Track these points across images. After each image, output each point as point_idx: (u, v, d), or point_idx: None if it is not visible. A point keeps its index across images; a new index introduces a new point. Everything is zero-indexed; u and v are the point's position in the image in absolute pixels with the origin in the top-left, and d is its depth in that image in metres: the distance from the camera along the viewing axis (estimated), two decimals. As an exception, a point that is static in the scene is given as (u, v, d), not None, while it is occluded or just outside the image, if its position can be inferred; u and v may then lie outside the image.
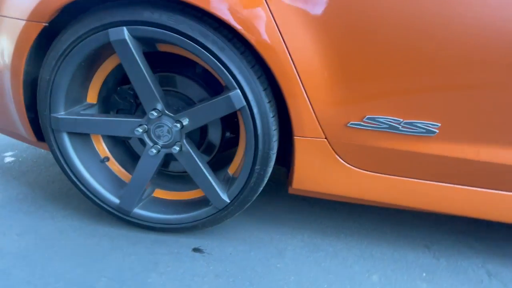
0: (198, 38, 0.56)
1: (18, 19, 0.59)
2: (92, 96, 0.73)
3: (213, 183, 0.71)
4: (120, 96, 0.74)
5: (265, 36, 0.54)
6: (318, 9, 0.53)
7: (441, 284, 0.71)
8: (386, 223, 0.91)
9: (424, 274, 0.73)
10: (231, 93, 0.60)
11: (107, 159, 0.80)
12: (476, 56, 0.54)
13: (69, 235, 0.75)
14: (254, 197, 0.72)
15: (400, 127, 0.61)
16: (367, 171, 0.68)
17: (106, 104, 0.76)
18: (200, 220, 0.75)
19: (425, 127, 0.60)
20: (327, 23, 0.54)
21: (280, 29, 0.54)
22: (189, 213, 0.76)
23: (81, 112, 0.70)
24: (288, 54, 0.55)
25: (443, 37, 0.53)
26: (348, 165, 0.68)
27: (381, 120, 0.61)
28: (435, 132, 0.61)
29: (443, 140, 0.62)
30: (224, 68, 0.58)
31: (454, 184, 0.66)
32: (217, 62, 0.57)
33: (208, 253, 0.74)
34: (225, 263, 0.71)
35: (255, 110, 0.61)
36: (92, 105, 0.74)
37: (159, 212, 0.78)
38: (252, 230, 0.84)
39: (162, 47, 0.66)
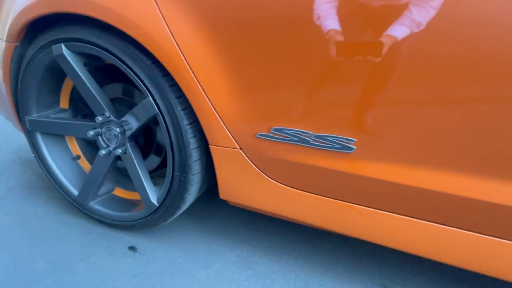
0: (115, 52, 0.62)
1: (1, 40, 0.75)
2: (64, 102, 0.86)
3: (146, 186, 0.74)
4: (83, 103, 0.85)
5: (165, 50, 0.56)
6: (214, 23, 0.53)
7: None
8: (347, 251, 0.80)
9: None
10: (144, 101, 0.63)
11: (78, 157, 0.92)
12: (396, 66, 0.46)
13: (40, 220, 0.88)
14: (183, 204, 0.73)
15: (311, 140, 0.55)
16: (288, 186, 0.62)
17: (76, 109, 0.89)
18: (137, 221, 0.79)
19: (339, 142, 0.53)
20: (221, 37, 0.53)
21: (179, 44, 0.55)
22: (130, 213, 0.81)
23: (51, 115, 0.83)
24: (188, 66, 0.56)
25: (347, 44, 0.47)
26: (269, 178, 0.63)
27: (288, 132, 0.56)
28: (353, 148, 0.53)
29: (363, 158, 0.53)
30: (138, 78, 0.62)
31: (383, 210, 0.55)
32: (132, 73, 0.62)
33: (140, 253, 0.77)
34: (149, 265, 0.73)
35: (166, 118, 0.63)
36: (64, 110, 0.87)
37: (110, 208, 0.85)
38: (195, 238, 0.84)
39: (107, 60, 0.75)
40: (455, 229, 0.52)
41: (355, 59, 0.46)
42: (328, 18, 0.45)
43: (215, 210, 0.96)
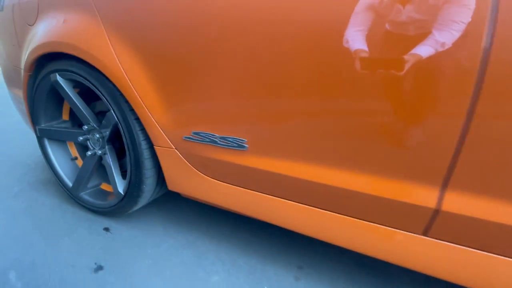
0: (89, 78, 0.85)
1: (21, 69, 1.03)
2: (65, 115, 1.12)
3: (116, 179, 0.95)
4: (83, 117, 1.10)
5: (117, 75, 0.78)
6: (146, 58, 0.73)
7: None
8: (274, 237, 0.93)
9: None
10: (108, 113, 0.85)
11: (76, 158, 1.17)
12: (271, 81, 0.62)
13: (44, 207, 1.12)
14: (142, 193, 0.92)
15: (218, 141, 0.72)
16: (210, 177, 0.79)
17: (74, 120, 1.14)
18: (111, 207, 0.99)
19: (236, 142, 0.69)
20: (151, 67, 0.73)
21: (125, 71, 0.76)
22: (107, 201, 1.02)
23: (54, 125, 1.09)
24: (132, 86, 0.77)
25: (238, 68, 0.64)
26: (197, 171, 0.80)
27: (202, 134, 0.73)
28: (246, 147, 0.69)
29: (254, 154, 0.68)
30: (104, 96, 0.84)
31: (279, 197, 0.69)
32: (100, 93, 0.84)
33: (111, 232, 0.97)
34: (115, 241, 0.92)
35: (123, 125, 0.84)
36: (65, 121, 1.12)
37: (95, 198, 1.07)
38: (157, 224, 1.02)
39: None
40: (331, 212, 0.64)
41: (232, 86, 0.63)
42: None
43: (182, 204, 1.14)
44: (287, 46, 0.55)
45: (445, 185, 0.51)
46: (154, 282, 0.77)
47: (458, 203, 0.51)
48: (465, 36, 0.42)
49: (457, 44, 0.43)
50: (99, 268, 0.81)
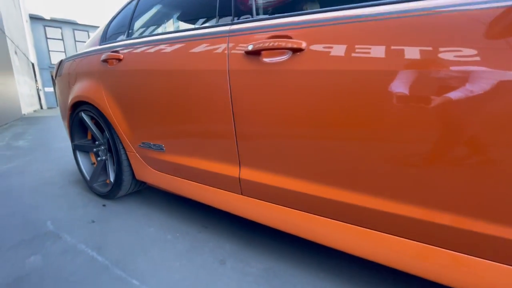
0: (96, 114, 1.50)
1: (67, 109, 1.75)
2: (89, 136, 1.81)
3: (110, 173, 1.57)
4: (95, 136, 1.78)
5: (107, 112, 1.41)
6: (118, 101, 1.36)
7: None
8: (207, 218, 1.43)
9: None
10: (104, 133, 1.49)
11: (94, 163, 1.84)
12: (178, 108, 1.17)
13: (69, 194, 1.78)
14: (123, 182, 1.51)
15: (152, 146, 1.28)
16: (154, 170, 1.34)
17: (93, 139, 1.82)
18: (108, 192, 1.60)
19: (158, 147, 1.25)
20: (120, 106, 1.35)
21: (111, 110, 1.39)
22: (107, 188, 1.63)
23: (82, 142, 1.78)
24: (113, 117, 1.39)
25: (163, 104, 1.21)
26: (149, 167, 1.37)
27: (145, 143, 1.30)
28: (164, 149, 1.23)
29: (170, 153, 1.23)
30: (103, 124, 1.48)
31: (190, 180, 1.21)
32: (101, 122, 1.49)
33: (106, 207, 1.56)
34: (104, 211, 1.51)
35: (111, 140, 1.46)
36: (88, 140, 1.81)
37: (101, 187, 1.70)
38: (142, 209, 1.59)
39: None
40: (207, 186, 1.14)
41: (156, 119, 1.21)
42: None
43: (166, 196, 1.71)
44: (182, 94, 1.11)
45: (240, 163, 0.99)
46: (120, 226, 1.32)
47: (248, 174, 0.98)
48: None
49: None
50: (93, 221, 1.39)
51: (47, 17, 14.83)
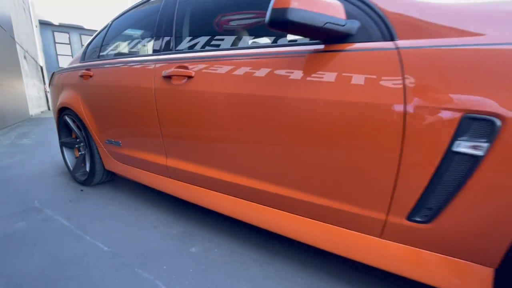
0: (74, 117, 1.89)
1: (55, 113, 2.16)
2: (73, 135, 2.20)
3: (87, 164, 1.96)
4: (77, 135, 2.18)
5: (81, 114, 1.80)
6: (89, 106, 1.75)
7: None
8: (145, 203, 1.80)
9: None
10: (82, 132, 1.88)
11: (77, 157, 2.23)
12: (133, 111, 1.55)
13: (57, 182, 2.18)
14: (95, 171, 1.89)
15: (113, 142, 1.66)
16: (117, 161, 1.72)
17: (77, 137, 2.22)
18: (85, 180, 1.99)
19: (117, 143, 1.63)
20: (91, 110, 1.74)
21: (84, 113, 1.78)
22: (85, 177, 2.02)
23: (67, 139, 2.17)
24: (86, 119, 1.78)
25: (117, 111, 1.60)
26: (113, 159, 1.75)
27: (108, 140, 1.69)
28: (120, 144, 1.61)
29: (125, 148, 1.60)
30: (81, 125, 1.87)
31: (141, 169, 1.59)
32: (79, 123, 1.88)
33: (84, 191, 1.95)
34: (82, 194, 1.89)
35: (85, 138, 1.85)
36: (72, 138, 2.21)
37: (80, 176, 2.09)
38: (116, 194, 1.98)
39: (81, 119, 2.05)
40: (155, 174, 1.51)
41: (114, 122, 1.59)
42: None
43: (131, 183, 2.09)
44: (127, 103, 1.50)
45: (166, 154, 1.36)
46: (89, 205, 1.70)
47: (172, 162, 1.35)
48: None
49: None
50: (70, 201, 1.78)
51: (56, 22, 15.55)
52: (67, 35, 16.50)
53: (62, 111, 2.06)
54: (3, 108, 6.16)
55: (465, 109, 0.62)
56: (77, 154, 2.24)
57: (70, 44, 16.59)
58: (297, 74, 0.86)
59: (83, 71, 1.78)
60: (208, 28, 1.26)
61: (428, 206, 0.70)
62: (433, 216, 0.70)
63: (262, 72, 0.94)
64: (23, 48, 9.73)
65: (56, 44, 16.25)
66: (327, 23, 0.73)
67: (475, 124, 0.61)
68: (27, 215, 1.57)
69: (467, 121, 0.62)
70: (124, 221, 1.49)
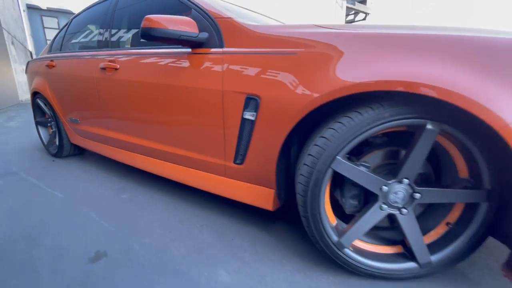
0: (44, 101, 2.29)
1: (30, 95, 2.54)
2: (46, 116, 2.60)
3: (57, 139, 2.37)
4: (48, 115, 2.58)
5: (49, 98, 2.19)
6: (55, 87, 2.14)
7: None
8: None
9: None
10: (51, 113, 2.28)
11: (50, 133, 2.64)
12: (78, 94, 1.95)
13: (38, 154, 2.60)
14: (63, 145, 2.31)
15: (73, 119, 2.07)
16: (79, 136, 2.14)
17: (51, 117, 2.62)
18: (56, 152, 2.41)
19: (76, 120, 2.03)
20: (56, 93, 2.13)
21: (51, 96, 2.18)
22: (56, 150, 2.44)
23: (42, 119, 2.57)
24: (53, 102, 2.17)
25: (73, 94, 1.99)
26: (77, 135, 2.16)
27: (70, 118, 2.09)
28: (79, 122, 2.02)
29: (82, 124, 2.01)
30: (48, 106, 2.27)
31: (96, 141, 2.01)
32: (48, 105, 2.28)
33: (54, 161, 2.37)
34: (52, 163, 2.32)
35: (55, 117, 2.25)
36: (46, 118, 2.60)
37: (53, 150, 2.50)
38: (80, 164, 2.40)
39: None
40: (110, 146, 1.93)
41: (74, 102, 1.99)
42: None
43: (102, 157, 2.52)
44: (79, 88, 1.90)
45: (108, 128, 1.78)
46: (57, 170, 2.12)
47: (109, 133, 1.77)
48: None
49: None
50: (43, 167, 2.20)
51: (44, 7, 15.42)
52: (56, 20, 16.38)
53: (35, 95, 2.45)
54: (-8, 93, 6.46)
55: (246, 92, 1.04)
56: (50, 131, 2.65)
57: (59, 29, 16.53)
58: (178, 68, 1.27)
59: (48, 61, 2.16)
60: (130, 30, 1.65)
61: (240, 153, 1.14)
62: (243, 159, 1.13)
63: (158, 66, 1.35)
64: (10, 34, 9.84)
65: (45, 29, 16.16)
66: (181, 35, 1.13)
67: (254, 100, 1.04)
68: (5, 177, 2.00)
69: (248, 99, 1.04)
70: (81, 180, 1.92)
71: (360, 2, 14.70)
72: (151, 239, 1.19)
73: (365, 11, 14.95)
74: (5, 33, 8.96)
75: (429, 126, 0.75)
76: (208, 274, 0.97)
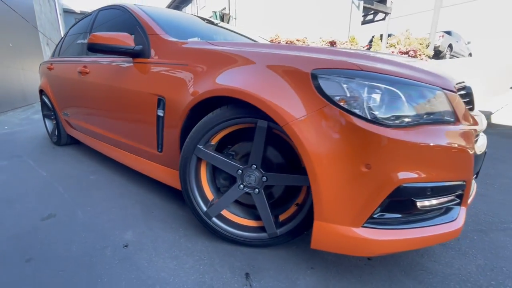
0: (46, 97, 2.73)
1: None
2: (50, 109, 3.07)
3: (56, 130, 2.81)
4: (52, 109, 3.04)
5: (49, 95, 2.62)
6: (52, 88, 2.56)
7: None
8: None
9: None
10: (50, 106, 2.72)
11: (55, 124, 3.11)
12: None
13: (44, 142, 3.07)
14: (62, 136, 2.74)
15: (67, 113, 2.47)
16: (73, 128, 2.54)
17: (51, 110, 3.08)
18: (57, 141, 2.85)
19: (67, 114, 2.44)
20: (53, 90, 2.55)
21: (50, 93, 2.61)
22: (57, 139, 2.89)
23: (46, 112, 3.04)
24: (51, 97, 2.60)
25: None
26: (70, 127, 2.57)
27: (64, 112, 2.50)
28: (68, 115, 2.42)
29: (70, 118, 2.41)
30: (48, 101, 2.71)
31: (80, 132, 2.40)
32: (49, 100, 2.72)
33: (54, 148, 2.81)
34: (54, 149, 2.76)
35: (53, 110, 2.68)
36: (50, 110, 3.07)
37: (55, 138, 2.95)
38: (85, 153, 2.83)
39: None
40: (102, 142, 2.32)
41: (68, 99, 2.40)
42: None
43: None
44: (66, 87, 2.29)
45: (85, 120, 2.15)
46: (54, 156, 2.54)
47: (87, 125, 2.14)
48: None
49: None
50: (41, 153, 2.64)
51: (77, 10, 16.87)
52: (88, 22, 17.92)
53: (41, 92, 2.92)
54: (26, 89, 7.34)
55: (158, 94, 1.31)
56: (54, 123, 3.11)
57: (90, 31, 18.02)
58: (129, 74, 1.58)
59: (49, 64, 2.59)
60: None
61: (160, 143, 1.41)
62: (162, 148, 1.41)
63: (112, 71, 1.67)
64: (46, 36, 10.97)
65: (79, 31, 17.73)
66: (120, 48, 1.44)
67: (162, 100, 1.31)
68: (11, 158, 2.45)
69: (159, 100, 1.32)
70: (65, 163, 2.32)
71: (379, 2, 14.30)
72: (92, 208, 1.51)
73: (384, 10, 14.52)
74: (41, 35, 10.02)
75: (259, 124, 0.98)
76: (119, 233, 1.26)
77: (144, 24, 1.55)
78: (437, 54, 13.50)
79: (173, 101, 1.24)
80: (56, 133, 2.81)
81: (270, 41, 8.54)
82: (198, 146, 1.07)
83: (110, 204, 1.56)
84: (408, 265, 1.05)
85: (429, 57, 12.51)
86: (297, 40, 8.42)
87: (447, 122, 0.92)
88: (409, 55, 11.31)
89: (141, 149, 1.58)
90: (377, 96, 0.85)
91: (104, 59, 1.76)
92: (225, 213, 1.19)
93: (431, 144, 0.85)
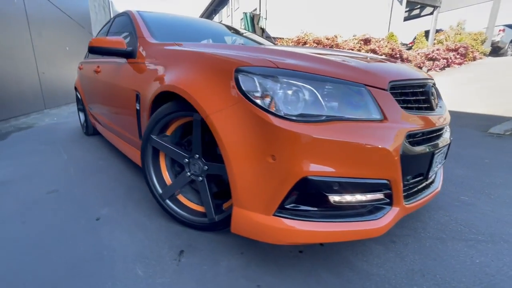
0: (77, 92, 3.18)
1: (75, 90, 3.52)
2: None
3: (86, 119, 3.26)
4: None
5: (80, 90, 3.05)
6: (82, 83, 2.97)
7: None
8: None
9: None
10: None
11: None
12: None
13: (74, 131, 3.57)
14: (89, 126, 3.17)
15: (92, 108, 2.86)
16: (96, 122, 2.93)
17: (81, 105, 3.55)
18: (86, 131, 3.30)
19: (91, 108, 2.82)
20: (84, 88, 2.96)
21: (80, 89, 3.03)
22: (86, 129, 3.34)
23: (80, 106, 3.53)
24: (81, 93, 3.02)
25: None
26: (95, 121, 2.97)
27: (90, 106, 2.90)
28: (92, 109, 2.80)
29: (93, 111, 2.78)
30: (78, 95, 3.15)
31: (98, 123, 2.77)
32: (80, 94, 3.16)
33: (83, 138, 3.26)
34: (80, 140, 3.20)
35: (84, 105, 3.11)
36: (83, 105, 3.55)
37: (84, 129, 3.41)
38: (99, 146, 3.25)
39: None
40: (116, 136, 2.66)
41: (92, 96, 2.78)
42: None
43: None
44: (88, 83, 2.66)
45: (101, 113, 2.47)
46: (79, 143, 2.96)
47: (100, 117, 2.46)
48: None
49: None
50: (72, 141, 3.09)
51: (129, 16, 18.72)
52: (138, 27, 19.70)
53: (76, 89, 3.40)
54: (79, 86, 8.43)
55: (135, 90, 1.50)
56: (83, 115, 3.59)
57: (139, 34, 19.78)
58: (121, 72, 1.81)
59: (80, 65, 3.02)
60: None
61: (140, 133, 1.60)
62: (141, 136, 1.60)
63: (111, 71, 1.92)
64: (100, 40, 12.40)
65: (129, 35, 19.60)
66: (115, 50, 1.66)
67: (137, 96, 1.49)
68: (48, 145, 2.92)
69: (136, 95, 1.50)
70: (85, 150, 2.69)
71: (426, -5, 13.13)
72: (85, 188, 1.77)
73: (433, 4, 13.24)
74: (96, 40, 11.38)
75: (195, 117, 1.08)
76: (98, 208, 1.48)
77: (137, 28, 1.76)
78: (496, 51, 11.88)
79: (144, 96, 1.41)
80: (85, 125, 3.25)
81: (297, 40, 8.46)
82: (151, 135, 1.22)
83: (103, 185, 1.81)
84: (336, 261, 1.06)
85: (484, 54, 11.09)
86: (326, 38, 8.20)
87: (370, 120, 0.91)
88: (458, 53, 10.19)
89: (130, 138, 1.80)
90: (288, 92, 0.89)
91: (110, 60, 2.03)
92: (180, 198, 1.32)
93: (341, 141, 0.86)
